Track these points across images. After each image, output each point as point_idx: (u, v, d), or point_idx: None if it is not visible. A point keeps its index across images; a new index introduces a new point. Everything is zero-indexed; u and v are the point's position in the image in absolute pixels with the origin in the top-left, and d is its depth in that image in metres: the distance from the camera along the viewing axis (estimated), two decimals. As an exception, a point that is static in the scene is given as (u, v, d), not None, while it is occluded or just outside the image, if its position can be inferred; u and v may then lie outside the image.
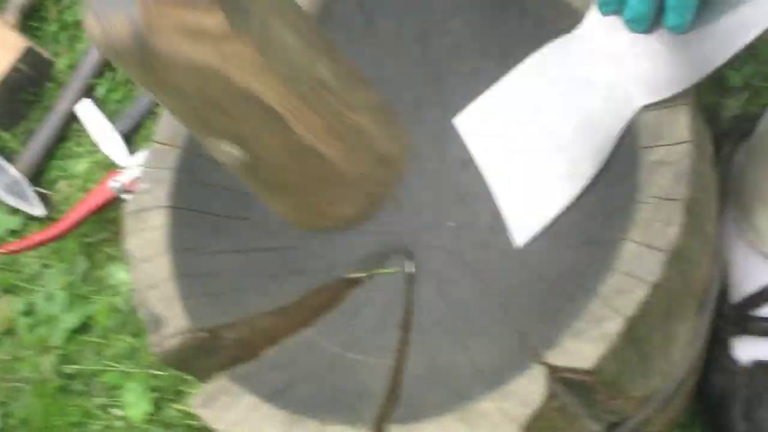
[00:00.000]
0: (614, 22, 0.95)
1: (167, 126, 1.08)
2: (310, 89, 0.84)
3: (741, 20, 0.92)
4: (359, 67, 0.95)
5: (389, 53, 1.06)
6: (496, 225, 0.98)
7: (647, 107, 0.93)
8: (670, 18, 0.91)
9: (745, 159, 1.25)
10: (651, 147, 0.91)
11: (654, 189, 0.89)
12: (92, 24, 0.78)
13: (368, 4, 1.07)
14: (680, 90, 0.93)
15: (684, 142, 0.90)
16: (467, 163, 1.01)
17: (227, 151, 0.88)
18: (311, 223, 0.98)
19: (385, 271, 0.98)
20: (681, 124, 0.92)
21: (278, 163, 0.90)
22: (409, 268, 0.98)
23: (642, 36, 0.94)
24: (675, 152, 0.90)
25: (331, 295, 1.00)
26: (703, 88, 1.44)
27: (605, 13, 0.94)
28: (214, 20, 0.76)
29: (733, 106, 1.44)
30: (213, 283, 1.01)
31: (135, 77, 0.82)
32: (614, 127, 0.94)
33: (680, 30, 0.91)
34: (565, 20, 1.00)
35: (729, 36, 0.92)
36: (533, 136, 0.99)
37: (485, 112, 1.02)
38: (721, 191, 1.24)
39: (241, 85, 0.81)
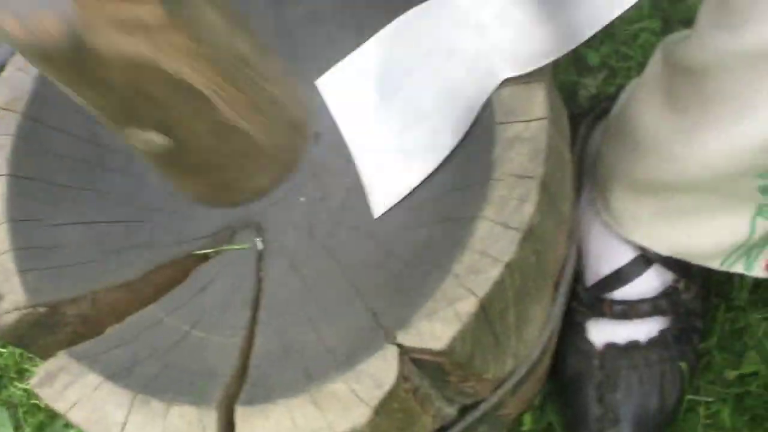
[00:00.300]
0: None
1: (6, 90, 1.03)
2: (233, 66, 0.82)
3: (590, 10, 0.91)
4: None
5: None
6: (349, 201, 0.96)
7: (504, 82, 0.92)
8: None
9: (601, 139, 1.25)
10: (507, 123, 0.90)
11: (509, 166, 0.88)
12: (10, 23, 0.73)
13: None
14: (543, 63, 0.92)
15: (540, 119, 0.90)
16: (320, 135, 0.98)
17: (149, 139, 0.84)
18: (225, 198, 0.95)
19: (232, 247, 0.95)
20: (537, 101, 0.91)
21: (202, 144, 0.87)
22: (258, 244, 0.95)
23: (508, 7, 0.93)
24: (531, 129, 0.89)
25: (179, 270, 0.96)
26: (561, 67, 1.45)
27: None
28: (149, 10, 0.73)
29: (590, 85, 1.45)
30: (54, 256, 0.96)
31: (56, 76, 0.77)
32: (476, 98, 0.93)
33: None
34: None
35: (594, 11, 0.92)
36: (394, 103, 0.97)
37: (347, 76, 0.99)
38: (577, 172, 1.24)
39: (172, 72, 0.77)
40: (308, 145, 0.95)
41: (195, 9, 0.77)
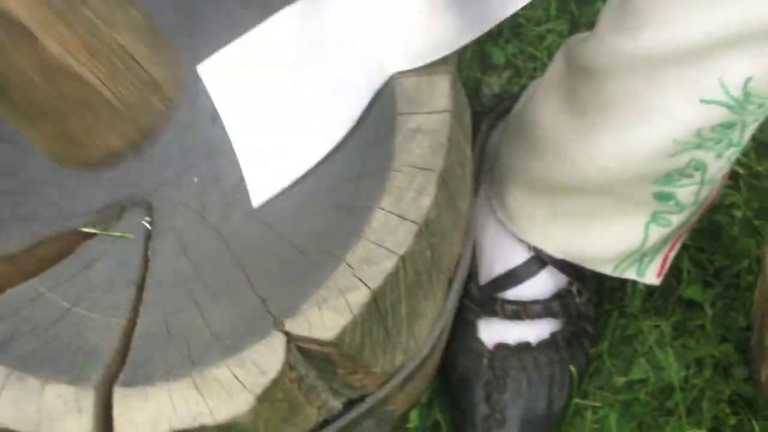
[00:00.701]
0: None
1: None
2: (65, 3, 0.75)
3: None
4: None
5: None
6: (243, 184, 0.94)
7: (406, 73, 0.91)
8: None
9: (501, 138, 1.25)
10: (409, 114, 0.89)
11: (409, 157, 0.87)
12: None
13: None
14: (434, 58, 0.91)
15: (442, 112, 0.89)
16: (217, 116, 0.96)
17: None
18: (74, 155, 0.89)
19: (118, 234, 0.93)
20: (440, 93, 0.90)
21: (30, 85, 0.79)
22: (147, 223, 0.93)
23: (400, 1, 0.92)
24: (432, 121, 0.89)
25: (64, 245, 0.94)
26: (465, 64, 1.45)
27: None
28: None
29: (494, 83, 1.45)
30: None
31: None
32: (365, 91, 0.92)
33: None
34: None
35: (488, 8, 0.91)
36: (280, 92, 0.95)
37: (232, 62, 0.97)
38: (476, 170, 1.24)
39: None
40: (174, 112, 0.91)
41: None
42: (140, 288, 0.90)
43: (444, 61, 0.91)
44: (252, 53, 0.97)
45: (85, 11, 0.77)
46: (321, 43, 0.95)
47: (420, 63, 0.91)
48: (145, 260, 0.92)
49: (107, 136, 0.84)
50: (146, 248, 0.92)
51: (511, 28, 1.48)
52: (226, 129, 0.95)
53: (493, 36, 1.47)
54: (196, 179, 0.95)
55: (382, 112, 0.92)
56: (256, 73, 0.96)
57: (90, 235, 0.94)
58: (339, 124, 0.92)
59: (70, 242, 0.93)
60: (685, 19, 0.94)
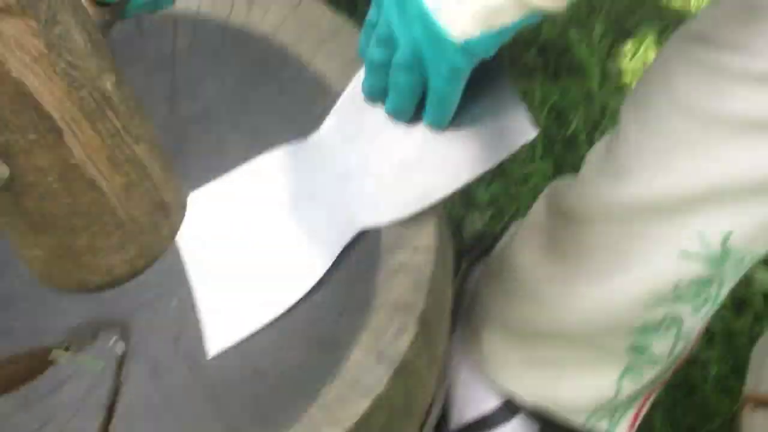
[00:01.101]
0: (350, 134, 0.94)
1: None
2: (95, 103, 0.71)
3: (473, 152, 0.92)
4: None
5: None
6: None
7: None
8: (426, 117, 0.91)
9: (480, 280, 1.25)
10: (393, 251, 0.89)
11: (390, 295, 0.87)
12: None
13: (119, 55, 1.01)
14: (401, 216, 0.91)
15: (426, 250, 0.89)
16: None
17: None
18: (72, 277, 0.82)
19: (89, 362, 0.91)
20: (425, 231, 0.90)
21: (46, 188, 0.74)
22: (120, 348, 0.91)
23: (372, 158, 0.93)
24: (416, 259, 0.88)
25: (36, 363, 0.92)
26: (449, 203, 1.45)
27: (373, 101, 0.94)
28: None
29: (476, 221, 1.45)
30: None
31: None
32: (334, 245, 0.92)
33: (438, 127, 0.92)
34: (323, 101, 0.98)
35: (448, 174, 0.92)
36: (247, 241, 0.95)
37: (201, 206, 0.97)
38: (454, 308, 1.23)
39: (16, 78, 0.67)
40: (176, 235, 0.89)
41: (53, 13, 0.68)
42: (110, 413, 0.88)
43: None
44: (222, 198, 0.97)
45: (111, 117, 0.73)
46: (294, 195, 0.95)
47: (386, 220, 0.92)
48: (117, 385, 0.90)
49: (112, 257, 0.79)
50: (119, 372, 0.91)
51: (496, 167, 1.48)
52: (188, 274, 0.94)
53: (478, 174, 1.48)
54: (174, 303, 0.94)
55: (366, 247, 0.91)
56: (223, 219, 0.96)
57: (63, 354, 0.92)
58: (304, 277, 0.92)
59: (42, 360, 0.92)
60: (669, 172, 0.95)
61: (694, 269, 0.98)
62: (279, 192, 0.95)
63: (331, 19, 1.04)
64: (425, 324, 0.87)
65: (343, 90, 0.97)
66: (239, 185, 0.97)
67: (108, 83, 0.73)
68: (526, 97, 1.56)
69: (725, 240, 0.95)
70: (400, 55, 0.87)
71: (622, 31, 1.64)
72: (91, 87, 0.71)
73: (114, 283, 0.82)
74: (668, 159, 0.95)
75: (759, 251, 0.98)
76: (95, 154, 0.73)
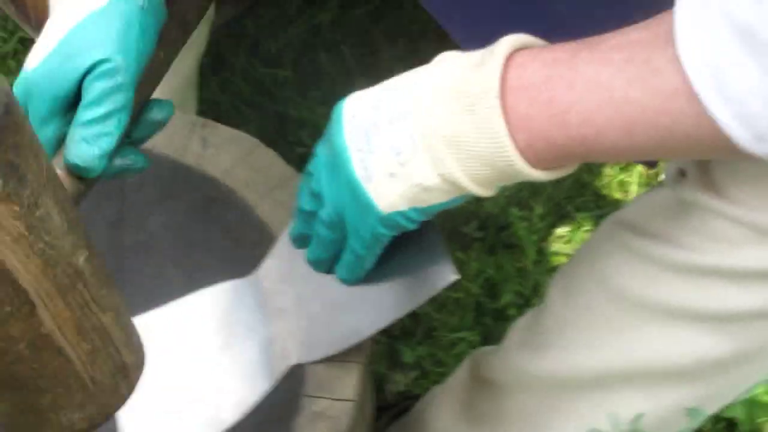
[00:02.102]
0: (287, 275, 0.95)
1: None
2: (67, 278, 0.75)
3: (397, 294, 0.93)
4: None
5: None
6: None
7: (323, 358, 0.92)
8: (340, 271, 0.92)
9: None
10: (315, 397, 0.90)
11: (307, 440, 0.87)
12: None
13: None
14: (329, 354, 0.93)
15: (348, 400, 0.90)
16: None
17: None
18: (32, 429, 0.85)
19: None
20: (349, 382, 0.91)
21: (16, 354, 0.77)
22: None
23: (306, 296, 0.94)
24: (336, 408, 0.89)
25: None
26: (375, 358, 1.46)
27: (298, 247, 0.94)
28: None
29: (400, 381, 1.46)
30: None
31: None
32: (265, 380, 0.93)
33: (348, 283, 0.93)
34: (265, 246, 0.99)
35: (376, 314, 0.93)
36: (177, 374, 0.96)
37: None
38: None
39: None
40: (133, 392, 0.91)
41: (35, 196, 0.72)
42: None
43: (357, 350, 0.93)
44: (155, 333, 0.95)
45: (82, 289, 0.77)
46: (229, 330, 0.96)
47: (316, 357, 0.93)
48: None
49: (73, 414, 0.82)
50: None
51: (425, 330, 1.51)
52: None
53: (406, 335, 1.50)
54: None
55: (287, 391, 0.92)
56: (158, 350, 0.93)
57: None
58: (233, 411, 0.92)
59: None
60: (589, 349, 0.97)
61: None
62: (213, 327, 0.97)
63: (282, 169, 1.07)
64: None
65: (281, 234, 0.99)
66: (174, 318, 0.98)
67: (81, 258, 0.76)
68: (462, 266, 1.58)
69: (636, 420, 0.97)
70: (325, 212, 0.87)
71: (561, 215, 1.68)
72: (65, 263, 0.75)
73: None
74: (589, 336, 0.97)
75: None
76: (64, 325, 0.76)
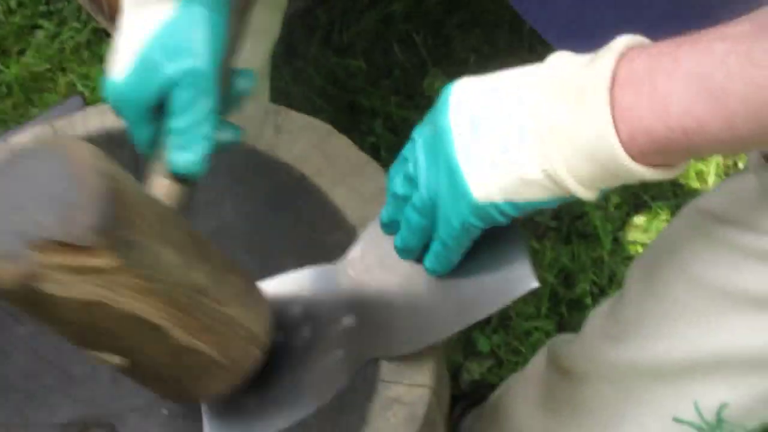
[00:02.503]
0: (372, 266, 0.95)
1: None
2: (187, 297, 0.83)
3: (477, 296, 0.91)
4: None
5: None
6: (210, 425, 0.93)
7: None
8: (427, 262, 0.90)
9: (472, 426, 1.24)
10: (390, 382, 0.89)
11: (383, 425, 0.87)
12: None
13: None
14: (406, 352, 0.91)
15: (423, 386, 0.89)
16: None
17: (108, 359, 0.84)
18: (184, 400, 0.94)
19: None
20: (425, 368, 0.90)
21: (158, 363, 0.86)
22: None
23: (392, 289, 0.93)
24: (412, 394, 0.88)
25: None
26: (450, 346, 1.46)
27: (387, 233, 0.93)
28: (101, 260, 0.74)
29: (474, 370, 1.46)
30: None
31: (16, 308, 0.78)
32: (343, 374, 0.92)
33: (434, 274, 0.91)
34: (337, 233, 0.99)
35: (459, 311, 0.91)
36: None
37: None
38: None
39: (124, 310, 0.79)
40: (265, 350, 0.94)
41: (149, 251, 0.78)
42: None
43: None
44: None
45: (203, 299, 0.84)
46: (314, 313, 0.96)
47: (395, 354, 0.92)
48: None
49: (217, 387, 0.90)
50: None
51: (501, 319, 1.50)
52: None
53: (481, 324, 1.49)
54: (165, 411, 0.94)
55: (363, 376, 0.91)
56: None
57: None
58: (311, 400, 0.92)
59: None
60: (670, 338, 0.95)
61: None
62: (297, 312, 0.97)
63: (355, 156, 1.06)
64: (414, 460, 0.87)
65: (361, 223, 0.98)
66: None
67: (198, 275, 0.84)
68: (537, 255, 1.57)
69: (720, 410, 0.95)
70: (418, 196, 0.86)
71: (637, 204, 1.66)
72: (184, 288, 0.82)
73: (215, 399, 0.92)
74: (670, 326, 0.96)
75: (750, 426, 0.98)
76: (195, 331, 0.84)
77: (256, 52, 1.28)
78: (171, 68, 0.86)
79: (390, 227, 0.92)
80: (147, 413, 0.94)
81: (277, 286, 0.98)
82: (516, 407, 1.11)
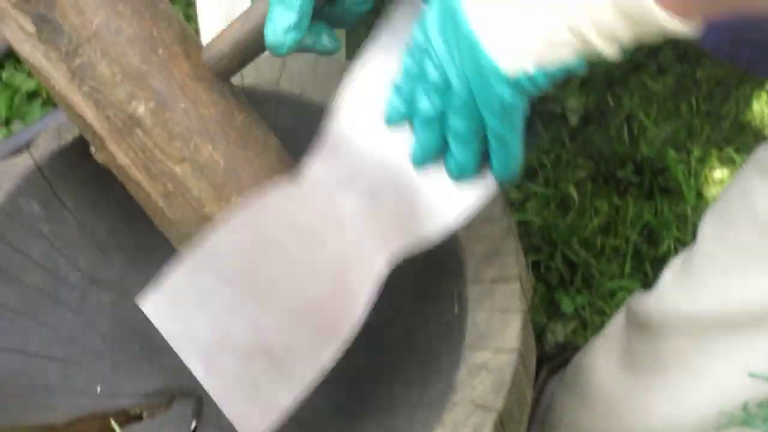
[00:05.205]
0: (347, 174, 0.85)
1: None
2: (122, 123, 0.85)
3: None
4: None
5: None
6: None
7: (479, 307, 0.89)
8: (496, 165, 0.83)
9: (557, 389, 1.23)
10: (475, 350, 0.87)
11: (470, 393, 0.85)
12: None
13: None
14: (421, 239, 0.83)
15: (510, 351, 0.87)
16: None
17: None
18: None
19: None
20: (511, 333, 0.88)
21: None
22: (192, 423, 0.91)
23: (387, 178, 0.84)
24: (499, 359, 0.87)
25: (105, 424, 0.92)
26: (534, 308, 1.44)
27: (420, 162, 0.83)
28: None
29: (559, 332, 1.44)
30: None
31: None
32: (364, 287, 0.83)
33: (507, 178, 0.83)
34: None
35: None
36: (248, 319, 0.84)
37: (182, 295, 0.84)
38: (530, 416, 1.22)
39: (60, 93, 0.86)
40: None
41: (78, 48, 0.85)
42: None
43: (518, 298, 0.90)
44: (204, 275, 0.84)
45: (142, 136, 0.86)
46: (304, 233, 0.85)
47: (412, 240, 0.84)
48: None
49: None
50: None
51: (583, 279, 1.48)
52: (190, 368, 0.83)
53: (565, 284, 1.47)
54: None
55: (448, 342, 0.90)
56: (216, 297, 0.84)
57: (136, 417, 0.92)
58: (328, 338, 0.83)
59: (115, 420, 0.92)
60: (744, 286, 0.94)
61: (763, 390, 0.96)
62: (283, 241, 0.85)
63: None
64: (502, 425, 0.85)
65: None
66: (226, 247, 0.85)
67: (139, 108, 0.85)
68: (618, 212, 1.55)
69: None
70: (456, 98, 0.79)
71: (719, 158, 1.63)
72: (116, 109, 0.85)
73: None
74: (744, 274, 0.94)
75: None
76: (134, 163, 0.87)
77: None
78: None
79: (428, 157, 0.83)
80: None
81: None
82: (596, 367, 1.10)
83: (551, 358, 1.31)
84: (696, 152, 1.62)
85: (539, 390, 1.27)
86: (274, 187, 0.84)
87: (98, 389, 0.93)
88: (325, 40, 0.85)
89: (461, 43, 0.76)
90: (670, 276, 1.03)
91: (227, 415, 0.82)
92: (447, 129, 0.81)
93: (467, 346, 0.88)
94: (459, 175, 0.83)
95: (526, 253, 0.99)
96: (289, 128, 1.05)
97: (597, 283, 1.47)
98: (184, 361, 0.82)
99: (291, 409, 0.82)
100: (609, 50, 0.74)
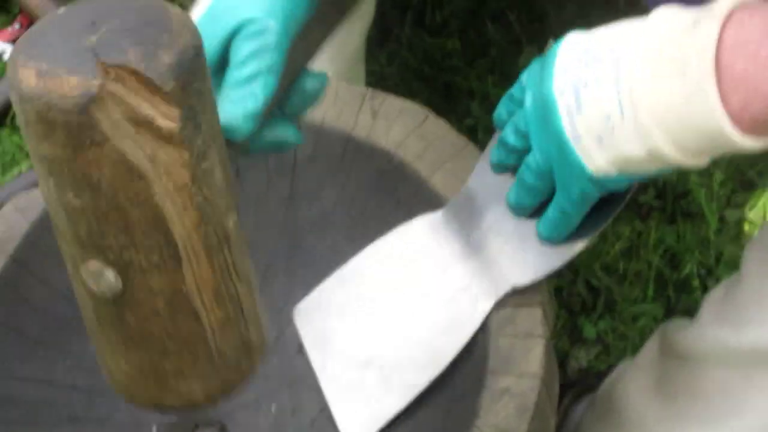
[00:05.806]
0: (483, 200, 0.94)
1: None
2: (216, 239, 0.75)
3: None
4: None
5: (253, 213, 1.01)
6: (320, 420, 0.93)
7: (502, 333, 0.89)
8: (543, 227, 0.90)
9: (583, 415, 1.22)
10: (498, 375, 0.87)
11: (493, 418, 0.85)
12: (28, 73, 0.67)
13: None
14: (546, 273, 0.91)
15: (533, 376, 0.87)
16: (303, 347, 0.96)
17: (102, 275, 0.76)
18: (150, 395, 0.84)
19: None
20: (533, 357, 0.89)
21: (152, 309, 0.77)
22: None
23: (507, 218, 0.93)
24: (522, 384, 0.87)
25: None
26: (556, 334, 1.44)
27: (497, 172, 0.93)
28: (167, 115, 0.67)
29: (582, 358, 1.43)
30: (8, 409, 0.93)
31: (49, 145, 0.70)
32: (464, 327, 0.91)
33: (548, 240, 0.91)
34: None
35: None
36: (371, 335, 0.95)
37: (324, 304, 0.97)
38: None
39: (156, 201, 0.71)
40: (254, 375, 0.87)
41: (204, 147, 0.71)
42: None
43: (541, 323, 0.90)
44: (342, 293, 0.97)
45: (226, 253, 0.76)
46: (413, 276, 0.95)
47: (534, 276, 0.91)
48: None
49: (193, 384, 0.81)
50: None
51: (606, 303, 1.47)
52: (316, 373, 0.95)
53: (587, 309, 1.47)
54: (273, 407, 0.93)
55: (471, 368, 0.90)
56: (346, 316, 0.96)
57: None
58: (433, 362, 0.91)
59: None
60: None
61: None
62: (399, 275, 0.96)
63: (454, 139, 1.04)
64: (526, 452, 0.85)
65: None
66: (354, 277, 0.97)
67: (231, 221, 0.76)
68: (641, 236, 1.54)
69: None
70: (533, 160, 0.86)
71: (742, 182, 1.63)
72: (217, 223, 0.74)
73: (189, 408, 0.83)
74: None
75: None
76: (204, 287, 0.76)
77: (350, 35, 1.26)
78: (234, 17, 0.80)
79: (500, 170, 0.92)
80: (256, 410, 0.94)
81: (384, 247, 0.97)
82: (630, 396, 1.09)
83: (575, 384, 1.31)
84: (718, 176, 1.61)
85: (563, 416, 1.26)
86: (420, 216, 0.96)
87: (122, 419, 0.93)
88: (286, 135, 0.86)
89: (551, 132, 0.82)
90: (711, 309, 1.02)
91: (334, 414, 0.91)
92: (518, 174, 0.89)
93: (490, 371, 0.88)
94: (514, 208, 0.91)
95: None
96: (309, 156, 1.06)
97: (619, 308, 1.47)
98: (310, 361, 0.94)
99: (388, 421, 0.90)
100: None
